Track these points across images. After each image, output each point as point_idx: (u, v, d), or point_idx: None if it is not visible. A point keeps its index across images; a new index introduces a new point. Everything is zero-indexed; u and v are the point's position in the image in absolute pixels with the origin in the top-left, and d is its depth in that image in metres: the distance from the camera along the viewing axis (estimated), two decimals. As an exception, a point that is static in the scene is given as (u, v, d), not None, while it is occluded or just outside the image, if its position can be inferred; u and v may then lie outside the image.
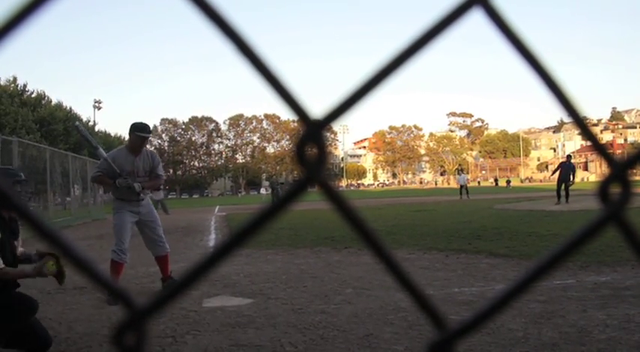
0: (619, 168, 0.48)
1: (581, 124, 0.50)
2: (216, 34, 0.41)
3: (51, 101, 51.14)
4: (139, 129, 6.59)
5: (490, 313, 0.47)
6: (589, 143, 0.52)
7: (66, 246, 0.41)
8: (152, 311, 0.41)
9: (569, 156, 21.50)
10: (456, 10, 0.44)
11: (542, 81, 0.48)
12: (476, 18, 0.46)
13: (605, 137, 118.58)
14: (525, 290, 0.49)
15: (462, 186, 34.16)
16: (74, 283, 7.06)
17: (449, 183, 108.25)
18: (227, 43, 0.41)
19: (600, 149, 0.50)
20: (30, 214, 0.40)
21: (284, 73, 0.41)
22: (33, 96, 49.03)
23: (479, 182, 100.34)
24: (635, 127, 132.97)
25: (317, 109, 0.42)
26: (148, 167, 6.61)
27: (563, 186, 20.12)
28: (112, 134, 69.72)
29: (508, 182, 74.19)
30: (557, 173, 20.62)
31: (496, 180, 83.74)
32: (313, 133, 0.41)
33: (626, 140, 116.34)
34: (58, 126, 47.14)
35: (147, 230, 6.63)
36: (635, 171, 0.51)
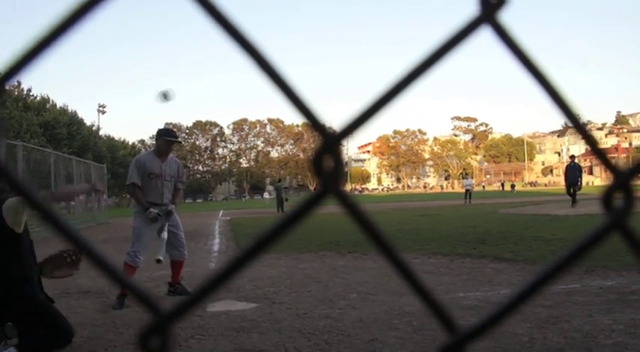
0: (622, 177, 0.49)
1: (586, 135, 0.51)
2: (230, 45, 0.42)
3: (55, 105, 51.19)
4: (166, 134, 6.84)
5: (499, 317, 0.48)
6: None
7: (91, 251, 0.43)
8: (177, 315, 0.43)
9: (572, 157, 21.05)
10: (464, 29, 0.45)
11: (547, 95, 0.49)
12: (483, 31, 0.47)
13: (610, 141, 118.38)
14: (533, 294, 0.49)
15: (467, 191, 34.23)
16: (78, 287, 7.10)
17: (453, 188, 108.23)
18: (243, 56, 0.42)
19: (603, 158, 0.51)
20: (56, 218, 0.41)
21: (300, 81, 0.42)
22: (37, 100, 49.09)
23: (484, 186, 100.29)
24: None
25: (331, 115, 0.44)
26: (173, 173, 6.74)
27: (572, 189, 19.90)
28: (116, 138, 69.78)
29: (512, 186, 74.50)
30: (565, 176, 20.32)
31: (502, 185, 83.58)
32: (330, 145, 0.42)
33: (630, 144, 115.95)
34: (62, 130, 47.18)
35: (169, 234, 6.65)
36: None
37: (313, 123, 0.42)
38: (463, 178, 51.01)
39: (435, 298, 0.47)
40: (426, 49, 0.45)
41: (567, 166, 20.62)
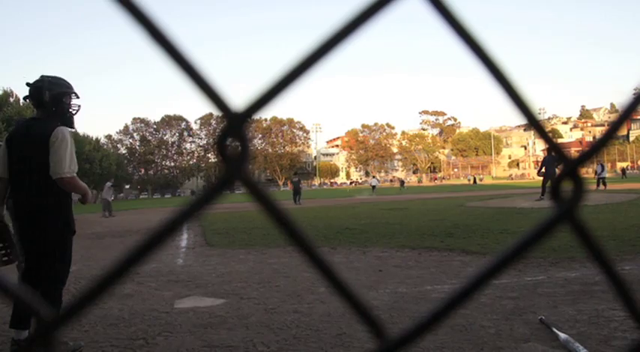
0: (571, 164, 0.46)
1: (530, 117, 0.48)
2: (127, 19, 0.39)
3: (19, 100, 49.87)
4: None
5: (433, 321, 0.46)
6: (552, 141, 0.50)
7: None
8: (62, 322, 0.38)
9: (549, 150, 20.65)
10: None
11: (486, 71, 0.46)
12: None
13: (575, 135, 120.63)
14: (471, 296, 0.47)
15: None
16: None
17: (420, 183, 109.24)
18: (139, 29, 0.39)
19: (552, 144, 0.48)
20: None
21: (204, 65, 0.38)
22: (-1, 93, 47.71)
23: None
24: (604, 125, 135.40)
25: (240, 102, 0.40)
26: None
27: (548, 182, 19.37)
28: (81, 134, 68.43)
29: (480, 179, 77.74)
30: (544, 168, 19.57)
31: (471, 179, 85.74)
32: (235, 127, 0.38)
33: (594, 138, 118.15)
34: (26, 126, 45.93)
35: None
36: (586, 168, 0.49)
37: (215, 102, 0.38)
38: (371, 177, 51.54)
39: (360, 300, 0.44)
40: (341, 21, 0.42)
41: (545, 158, 19.99)
